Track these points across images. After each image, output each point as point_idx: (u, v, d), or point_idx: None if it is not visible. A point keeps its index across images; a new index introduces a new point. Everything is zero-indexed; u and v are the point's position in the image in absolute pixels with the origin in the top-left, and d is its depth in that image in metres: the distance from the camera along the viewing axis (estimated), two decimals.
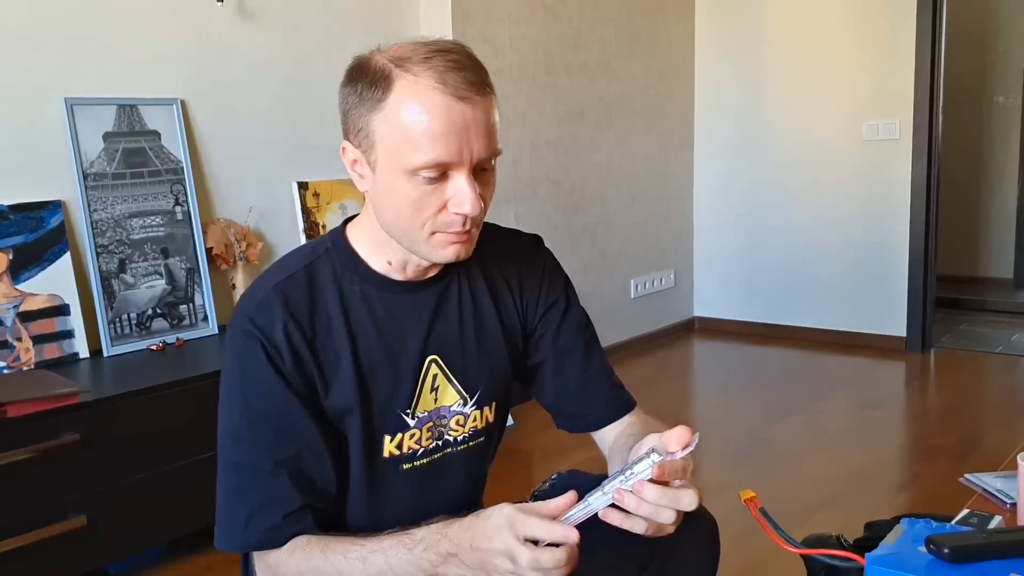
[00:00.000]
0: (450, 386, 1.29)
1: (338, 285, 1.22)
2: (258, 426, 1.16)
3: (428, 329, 1.27)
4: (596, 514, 1.04)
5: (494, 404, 1.35)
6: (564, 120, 4.33)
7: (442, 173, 1.12)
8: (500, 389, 1.36)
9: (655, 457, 1.00)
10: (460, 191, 1.12)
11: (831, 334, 4.90)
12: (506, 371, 1.36)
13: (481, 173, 1.15)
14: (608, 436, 1.38)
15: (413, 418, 1.26)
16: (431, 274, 1.28)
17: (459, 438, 1.32)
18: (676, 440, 1.01)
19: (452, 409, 1.29)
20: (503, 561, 1.00)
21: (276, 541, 1.16)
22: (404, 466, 1.27)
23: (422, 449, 1.28)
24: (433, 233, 1.16)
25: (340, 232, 1.28)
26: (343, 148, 1.20)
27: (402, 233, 1.18)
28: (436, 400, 1.28)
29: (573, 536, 0.99)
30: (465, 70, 1.11)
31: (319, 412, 1.19)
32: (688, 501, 1.01)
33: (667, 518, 1.01)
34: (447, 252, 1.17)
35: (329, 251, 1.25)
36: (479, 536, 1.03)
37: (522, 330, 1.37)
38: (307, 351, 1.18)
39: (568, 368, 1.38)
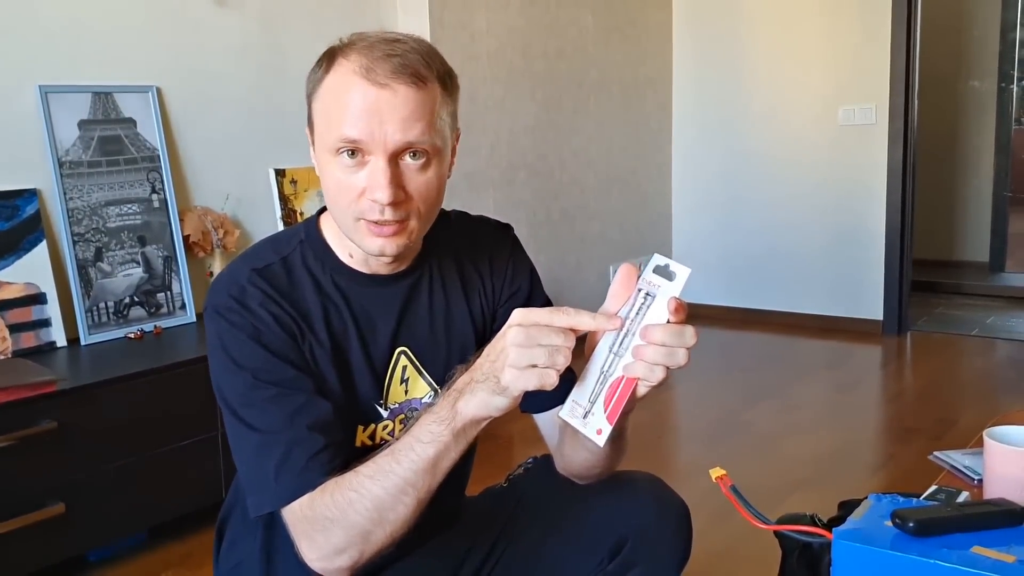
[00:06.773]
0: (420, 378, 1.29)
1: (314, 278, 1.23)
2: (262, 388, 1.15)
3: (398, 322, 1.26)
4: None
5: None
6: (542, 106, 4.33)
7: (362, 157, 1.12)
8: None
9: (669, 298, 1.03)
10: (373, 176, 1.12)
11: (808, 318, 4.93)
12: None
13: (411, 163, 1.13)
14: (547, 420, 1.34)
15: (386, 409, 1.26)
16: (400, 268, 1.27)
17: None
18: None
19: (423, 401, 1.29)
20: (513, 347, 1.00)
21: (309, 484, 1.11)
22: None
23: (394, 441, 1.28)
24: (358, 220, 1.15)
25: (314, 222, 1.28)
26: (307, 132, 1.22)
27: (337, 218, 1.19)
28: (407, 392, 1.28)
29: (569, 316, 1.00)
30: (397, 58, 1.10)
31: (311, 375, 1.19)
32: (690, 335, 1.04)
33: (682, 357, 1.05)
34: (372, 244, 1.16)
35: (303, 243, 1.25)
36: (491, 349, 1.04)
37: (490, 318, 1.37)
38: (294, 331, 1.18)
39: None
